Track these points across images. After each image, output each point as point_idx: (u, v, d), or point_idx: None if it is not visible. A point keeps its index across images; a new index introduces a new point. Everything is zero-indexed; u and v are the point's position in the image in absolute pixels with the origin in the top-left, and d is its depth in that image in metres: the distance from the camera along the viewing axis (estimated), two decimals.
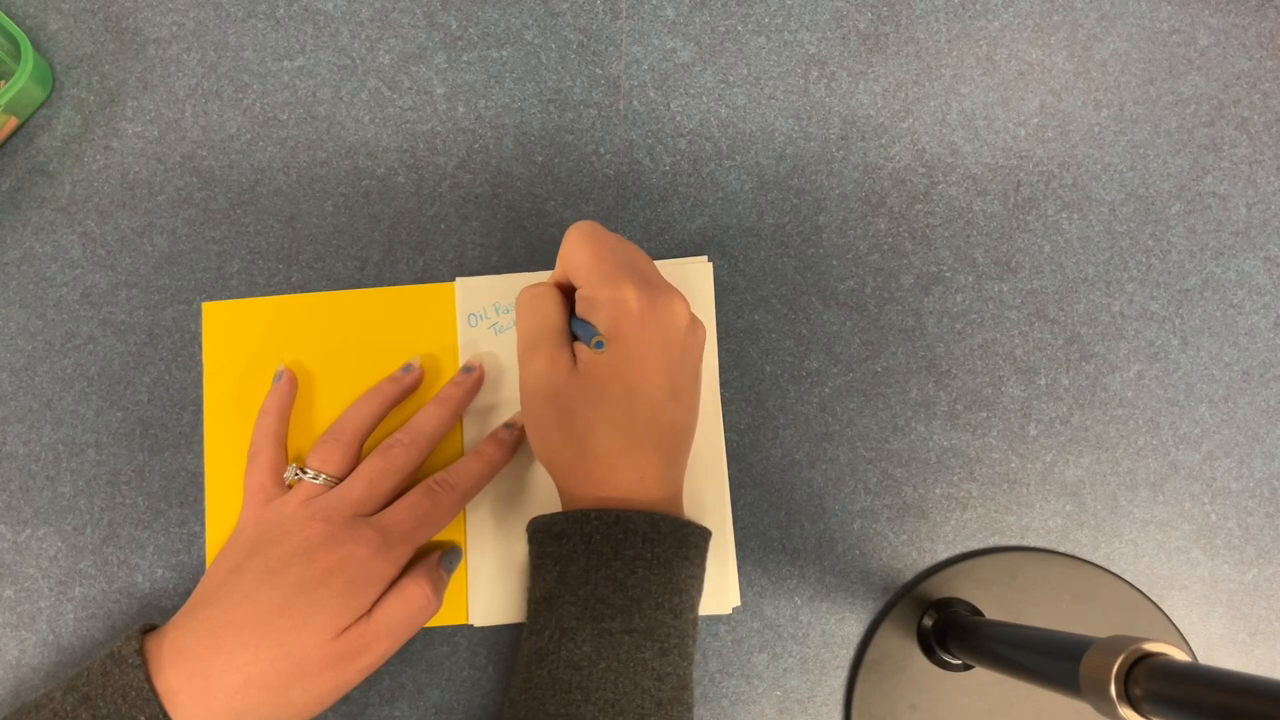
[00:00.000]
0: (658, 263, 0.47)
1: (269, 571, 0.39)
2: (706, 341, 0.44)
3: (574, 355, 0.40)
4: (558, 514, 0.39)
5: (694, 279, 0.47)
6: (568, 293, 0.42)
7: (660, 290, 0.40)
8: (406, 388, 0.46)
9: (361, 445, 0.44)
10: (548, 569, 0.39)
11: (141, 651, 0.37)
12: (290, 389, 0.46)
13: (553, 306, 0.41)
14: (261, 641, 0.37)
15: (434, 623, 0.45)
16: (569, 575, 0.38)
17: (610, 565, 0.37)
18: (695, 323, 0.41)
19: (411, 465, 0.43)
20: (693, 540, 0.39)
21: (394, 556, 0.40)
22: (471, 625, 0.45)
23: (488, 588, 0.45)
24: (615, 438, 0.38)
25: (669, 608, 0.38)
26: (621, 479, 0.39)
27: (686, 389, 0.40)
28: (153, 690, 0.36)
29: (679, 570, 0.38)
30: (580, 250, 0.40)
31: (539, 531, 0.40)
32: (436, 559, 0.43)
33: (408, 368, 0.46)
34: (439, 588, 0.42)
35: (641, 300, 0.39)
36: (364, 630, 0.39)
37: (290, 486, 0.43)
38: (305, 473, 0.42)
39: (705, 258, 0.47)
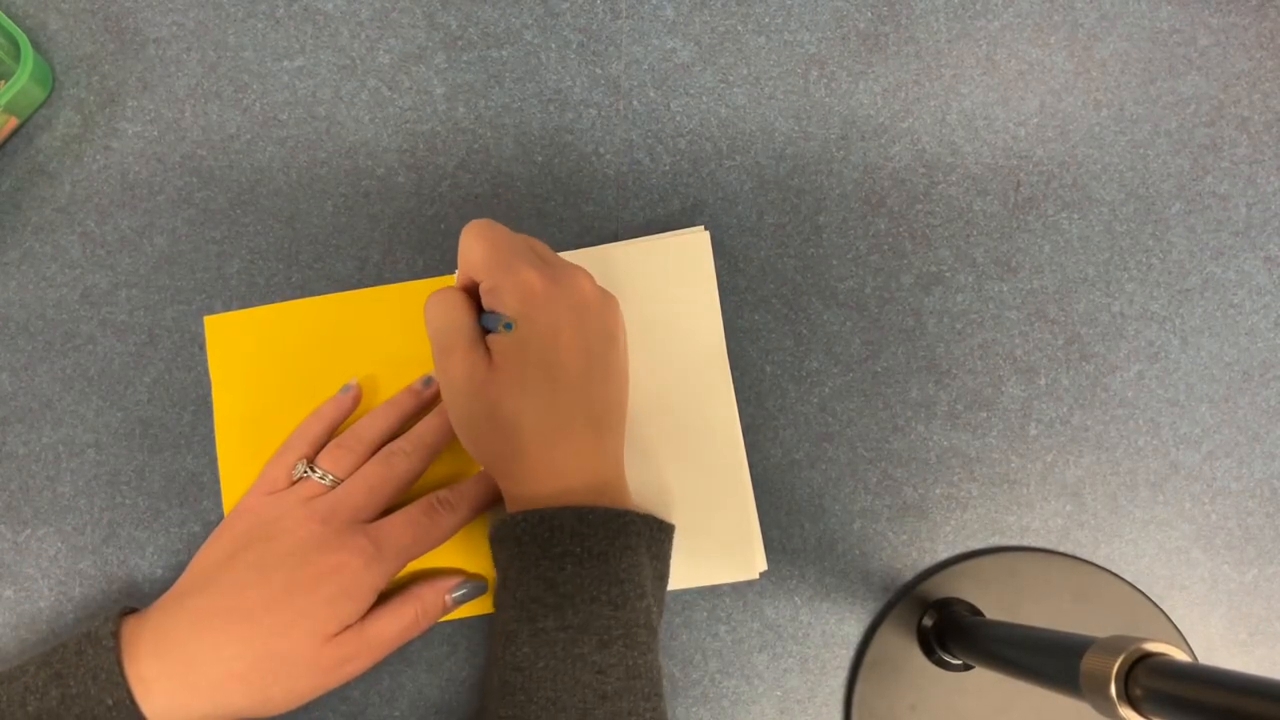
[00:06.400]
0: (650, 238, 0.47)
1: (261, 568, 0.39)
2: (712, 310, 0.45)
3: (488, 350, 0.40)
4: (497, 519, 0.40)
5: (690, 250, 0.47)
6: (473, 293, 0.42)
7: (561, 268, 0.40)
8: (425, 401, 0.45)
9: (373, 455, 0.43)
10: (498, 575, 0.40)
11: (117, 634, 0.37)
12: (353, 405, 0.46)
13: (459, 306, 0.40)
14: (247, 637, 0.38)
15: (469, 612, 0.45)
16: (508, 579, 0.38)
17: (539, 564, 0.37)
18: (605, 296, 0.41)
19: (413, 474, 0.43)
20: (632, 529, 0.38)
21: (384, 569, 0.40)
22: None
23: None
24: (543, 420, 0.38)
25: (606, 599, 0.37)
26: (557, 467, 0.39)
27: (606, 362, 0.40)
28: (122, 675, 0.36)
29: (616, 561, 0.38)
30: (475, 245, 0.39)
31: (490, 541, 0.40)
32: (449, 585, 0.43)
33: (428, 381, 0.46)
34: (434, 614, 0.42)
35: (544, 279, 0.39)
36: (355, 640, 0.40)
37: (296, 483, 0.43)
38: (314, 471, 0.42)
39: (701, 226, 0.47)
